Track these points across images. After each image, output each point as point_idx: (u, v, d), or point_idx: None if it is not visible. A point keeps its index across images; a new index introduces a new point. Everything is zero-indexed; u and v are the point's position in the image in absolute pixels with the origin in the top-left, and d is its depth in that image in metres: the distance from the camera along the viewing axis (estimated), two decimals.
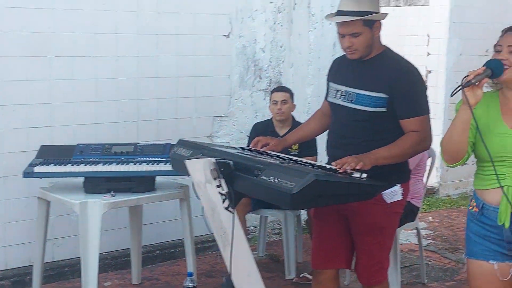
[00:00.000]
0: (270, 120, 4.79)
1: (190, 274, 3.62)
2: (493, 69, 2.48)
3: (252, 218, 5.37)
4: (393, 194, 2.99)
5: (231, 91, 5.31)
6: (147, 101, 4.85)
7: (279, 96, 4.67)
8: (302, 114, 5.48)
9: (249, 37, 5.36)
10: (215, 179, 2.77)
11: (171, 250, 5.01)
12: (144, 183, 3.82)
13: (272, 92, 4.82)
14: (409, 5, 11.32)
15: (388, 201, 3.00)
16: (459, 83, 2.45)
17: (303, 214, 5.22)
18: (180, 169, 3.06)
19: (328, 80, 3.30)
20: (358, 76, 3.07)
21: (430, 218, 6.30)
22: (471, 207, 2.67)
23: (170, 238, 5.01)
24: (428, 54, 7.18)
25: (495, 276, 2.58)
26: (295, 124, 4.60)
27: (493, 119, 2.58)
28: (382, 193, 2.95)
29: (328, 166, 2.98)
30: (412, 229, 4.89)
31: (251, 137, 4.69)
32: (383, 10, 10.36)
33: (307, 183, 2.50)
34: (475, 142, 2.58)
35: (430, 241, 5.55)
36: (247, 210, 4.55)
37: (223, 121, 5.29)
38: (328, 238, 3.17)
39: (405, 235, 5.55)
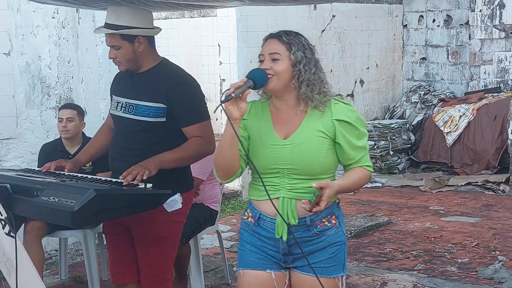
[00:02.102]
0: (59, 139, 4.62)
1: None
2: (255, 79, 2.39)
3: (54, 242, 5.16)
4: (173, 203, 3.03)
5: (17, 112, 5.07)
6: None
7: (64, 113, 4.51)
8: (97, 129, 5.37)
9: (33, 54, 5.16)
10: None
11: None
12: None
13: (59, 109, 4.67)
14: (203, 16, 11.64)
15: (169, 210, 3.04)
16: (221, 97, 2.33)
17: None
18: None
19: (111, 93, 3.31)
20: (137, 87, 3.11)
21: (234, 220, 6.51)
22: (245, 217, 2.60)
23: None
24: (221, 63, 7.41)
25: (273, 286, 2.54)
26: (86, 140, 4.49)
27: (264, 130, 2.51)
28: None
29: (114, 180, 2.97)
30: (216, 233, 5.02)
31: (40, 159, 4.51)
32: (178, 21, 10.38)
33: (87, 199, 2.48)
34: (246, 154, 2.48)
35: (234, 242, 5.74)
36: (42, 233, 4.34)
37: (11, 144, 5.03)
38: (119, 251, 3.16)
39: (211, 240, 5.68)
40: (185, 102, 3.04)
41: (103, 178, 3.04)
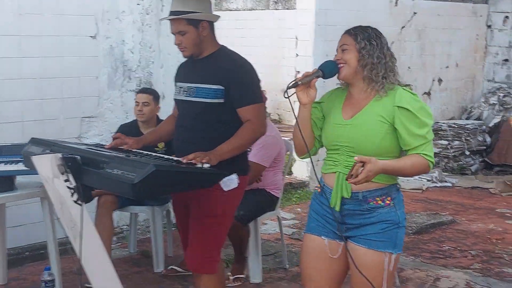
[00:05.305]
0: (135, 121, 4.89)
1: (48, 269, 3.69)
2: (325, 69, 2.71)
3: (126, 217, 5.46)
4: (230, 182, 3.19)
5: (99, 92, 5.38)
6: (10, 103, 4.84)
7: (141, 97, 4.78)
8: None
9: (117, 38, 5.45)
10: (62, 173, 2.89)
11: (41, 251, 4.98)
12: (2, 183, 3.84)
13: (136, 93, 4.95)
14: (287, 9, 11.76)
15: (225, 189, 3.19)
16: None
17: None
18: (31, 166, 3.15)
19: (175, 81, 3.52)
20: (197, 72, 3.30)
21: (299, 209, 6.66)
22: (316, 188, 2.91)
23: (39, 239, 4.97)
24: (297, 55, 7.53)
25: (325, 252, 2.80)
26: (160, 123, 4.75)
27: (334, 111, 2.81)
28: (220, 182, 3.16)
29: (175, 158, 3.18)
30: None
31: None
32: (263, 13, 10.61)
33: (147, 173, 2.67)
34: (321, 134, 2.84)
35: (295, 229, 5.88)
36: (114, 207, 4.65)
37: (92, 122, 5.35)
38: (185, 228, 3.38)
39: (274, 226, 5.85)
40: (241, 83, 3.21)
41: (165, 156, 3.26)
